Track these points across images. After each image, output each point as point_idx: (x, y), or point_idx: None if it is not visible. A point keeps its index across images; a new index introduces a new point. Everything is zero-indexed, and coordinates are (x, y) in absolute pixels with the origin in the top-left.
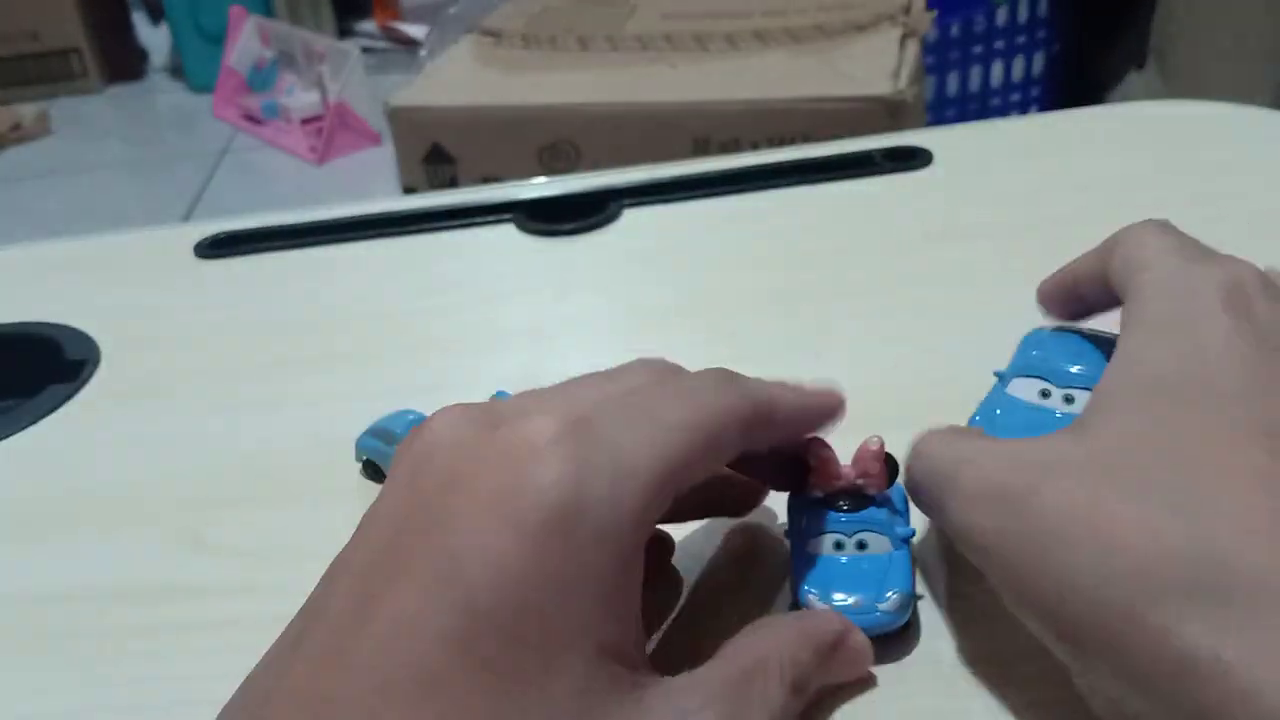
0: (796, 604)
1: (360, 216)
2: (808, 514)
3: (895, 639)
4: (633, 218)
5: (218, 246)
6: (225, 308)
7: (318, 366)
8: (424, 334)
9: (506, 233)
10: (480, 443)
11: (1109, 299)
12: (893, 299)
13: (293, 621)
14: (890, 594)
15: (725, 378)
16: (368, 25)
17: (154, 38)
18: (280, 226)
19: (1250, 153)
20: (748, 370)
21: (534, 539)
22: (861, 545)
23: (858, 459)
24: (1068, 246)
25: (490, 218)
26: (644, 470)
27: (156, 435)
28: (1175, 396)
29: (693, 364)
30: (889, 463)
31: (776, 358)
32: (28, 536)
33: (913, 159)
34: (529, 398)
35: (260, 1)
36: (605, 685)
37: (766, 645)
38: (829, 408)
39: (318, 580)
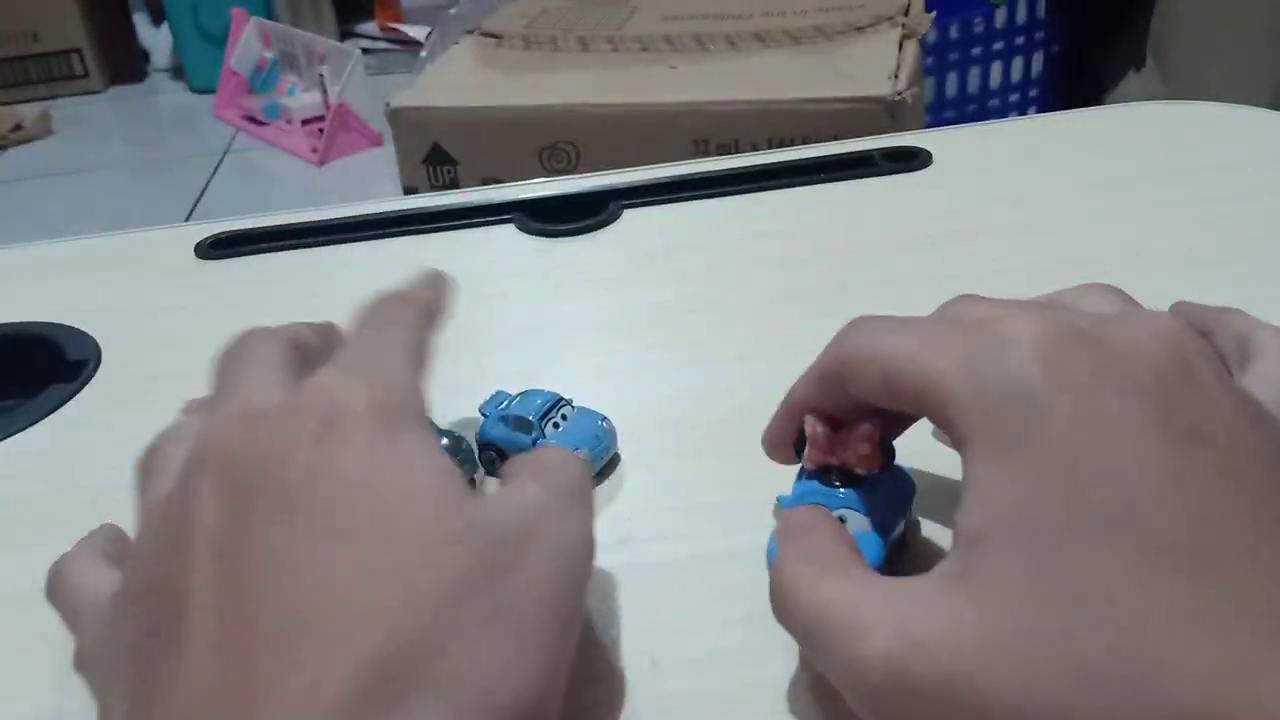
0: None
1: (361, 217)
2: (801, 484)
3: None
4: (632, 218)
5: (218, 247)
6: (225, 308)
7: None
8: None
9: (507, 233)
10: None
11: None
12: (893, 299)
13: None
14: None
15: None
16: (369, 26)
17: (155, 39)
18: (281, 227)
19: (1250, 153)
20: (746, 369)
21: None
22: (840, 520)
23: (848, 441)
24: (1067, 246)
25: (491, 218)
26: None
27: None
28: (1052, 531)
29: (693, 363)
30: (884, 447)
31: (776, 358)
32: (28, 536)
33: (912, 159)
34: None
35: (261, 2)
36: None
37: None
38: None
39: None
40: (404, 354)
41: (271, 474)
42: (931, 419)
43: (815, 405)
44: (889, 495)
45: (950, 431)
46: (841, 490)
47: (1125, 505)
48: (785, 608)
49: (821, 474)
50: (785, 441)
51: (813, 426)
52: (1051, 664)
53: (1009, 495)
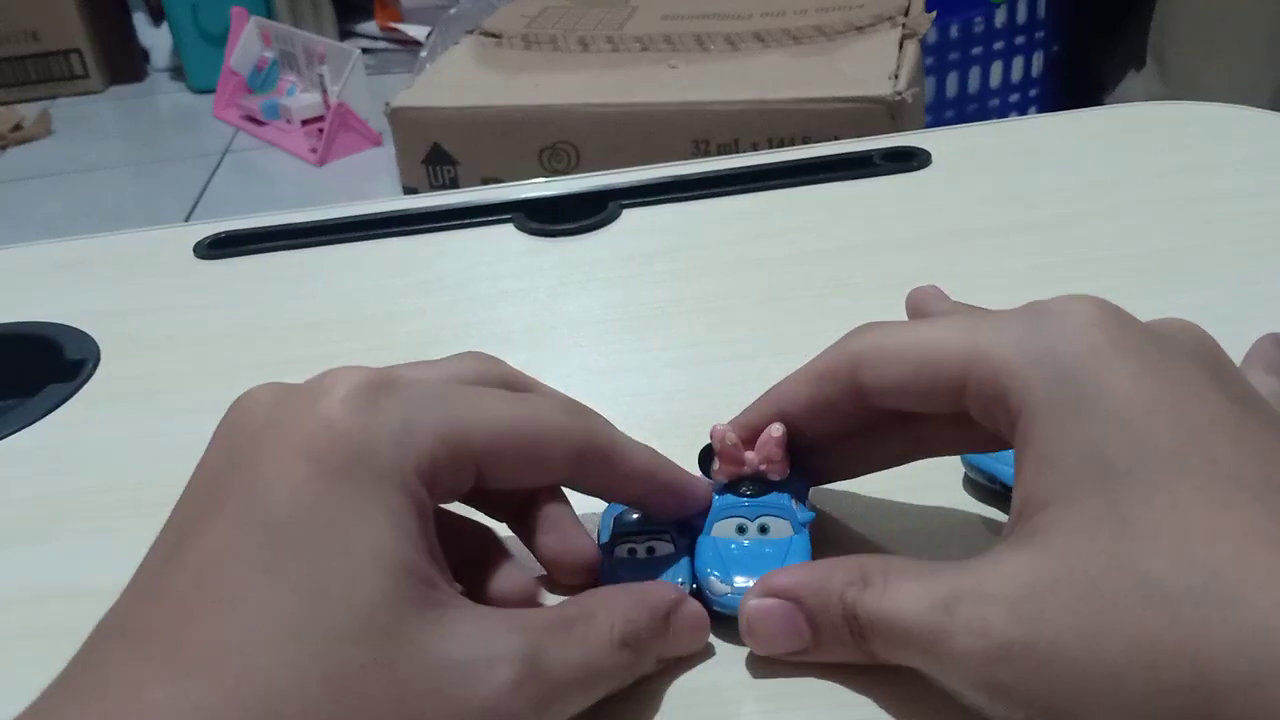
0: (697, 584)
1: (360, 217)
2: (722, 499)
3: None
4: (632, 218)
5: (217, 246)
6: (225, 308)
7: (317, 366)
8: (424, 334)
9: (506, 233)
10: (289, 397)
11: (850, 416)
12: (892, 299)
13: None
14: None
15: (572, 405)
16: (369, 26)
17: (155, 39)
18: (280, 227)
19: (1250, 153)
20: (745, 368)
21: (329, 469)
22: (763, 529)
23: (760, 445)
24: (1067, 246)
25: (490, 218)
26: (427, 435)
27: (156, 435)
28: (1123, 473)
29: (692, 363)
30: (789, 449)
31: (775, 357)
32: (28, 536)
33: (912, 159)
34: (354, 367)
35: (261, 2)
36: (407, 598)
37: (597, 601)
38: (687, 493)
39: None
40: (470, 422)
41: (246, 453)
42: (978, 397)
43: (802, 404)
44: (796, 495)
45: (999, 405)
46: (761, 498)
47: (1195, 443)
48: (885, 630)
49: (734, 485)
50: (755, 435)
51: (722, 438)
52: (1126, 591)
53: (1077, 450)
